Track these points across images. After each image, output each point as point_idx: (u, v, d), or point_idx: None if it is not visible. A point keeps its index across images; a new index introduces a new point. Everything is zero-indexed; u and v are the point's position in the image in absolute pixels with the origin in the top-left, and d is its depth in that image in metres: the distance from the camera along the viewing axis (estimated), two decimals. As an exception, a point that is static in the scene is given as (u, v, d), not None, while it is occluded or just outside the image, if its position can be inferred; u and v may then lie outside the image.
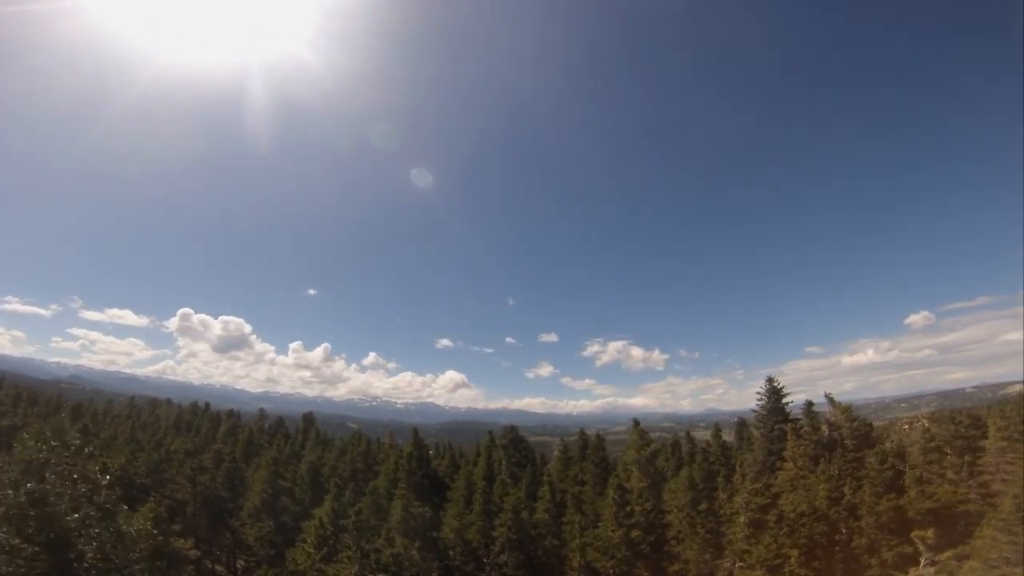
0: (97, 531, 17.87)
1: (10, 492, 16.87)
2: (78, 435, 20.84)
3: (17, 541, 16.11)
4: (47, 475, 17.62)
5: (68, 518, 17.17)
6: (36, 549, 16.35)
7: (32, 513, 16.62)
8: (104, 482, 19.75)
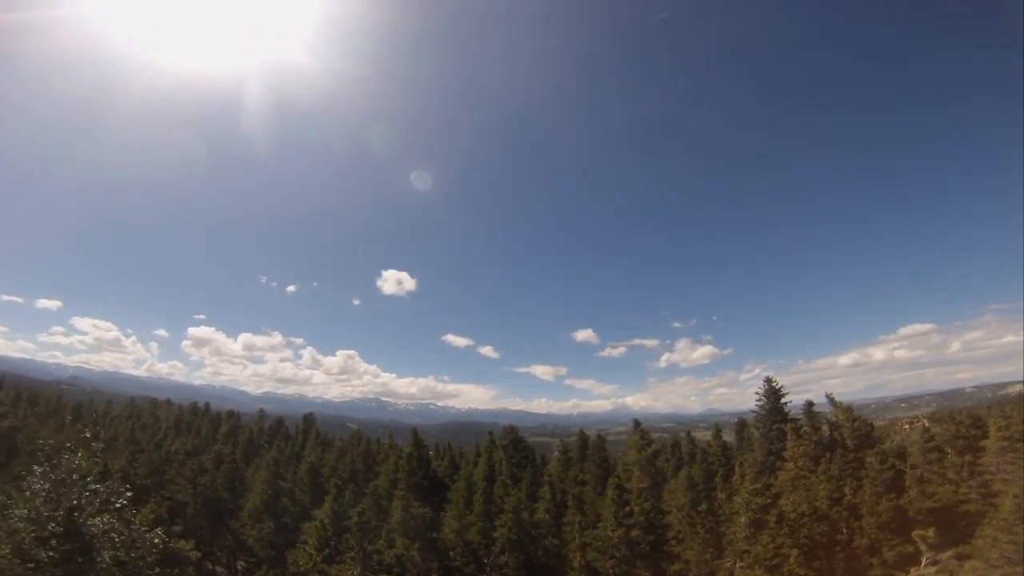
0: (119, 537, 17.94)
1: (30, 498, 16.90)
2: (102, 444, 20.80)
3: (26, 545, 16.15)
4: (68, 480, 17.63)
5: (89, 523, 17.25)
6: (51, 555, 16.40)
7: (46, 518, 16.66)
8: (127, 491, 19.77)
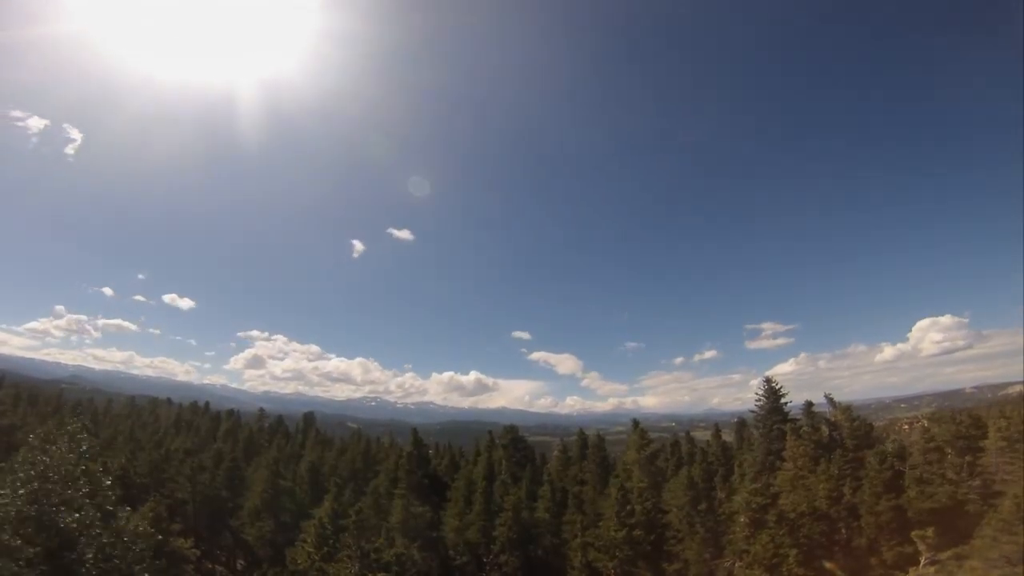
0: (99, 532, 17.82)
1: (7, 492, 16.81)
2: (84, 435, 20.72)
3: (17, 542, 16.04)
4: (50, 475, 17.55)
5: (68, 519, 17.13)
6: (37, 550, 16.30)
7: (32, 514, 16.57)
8: (107, 482, 19.68)
